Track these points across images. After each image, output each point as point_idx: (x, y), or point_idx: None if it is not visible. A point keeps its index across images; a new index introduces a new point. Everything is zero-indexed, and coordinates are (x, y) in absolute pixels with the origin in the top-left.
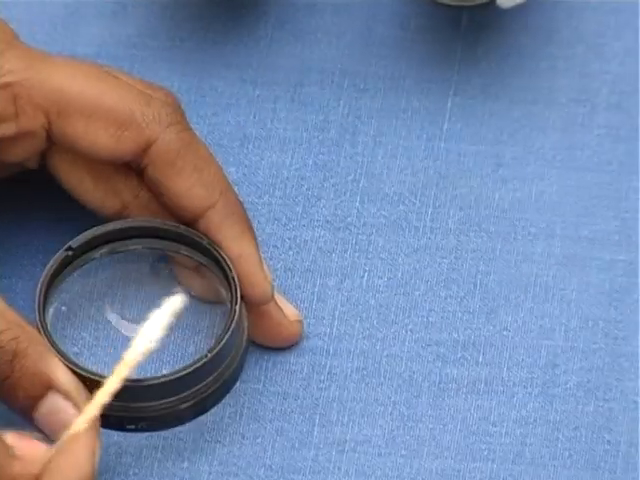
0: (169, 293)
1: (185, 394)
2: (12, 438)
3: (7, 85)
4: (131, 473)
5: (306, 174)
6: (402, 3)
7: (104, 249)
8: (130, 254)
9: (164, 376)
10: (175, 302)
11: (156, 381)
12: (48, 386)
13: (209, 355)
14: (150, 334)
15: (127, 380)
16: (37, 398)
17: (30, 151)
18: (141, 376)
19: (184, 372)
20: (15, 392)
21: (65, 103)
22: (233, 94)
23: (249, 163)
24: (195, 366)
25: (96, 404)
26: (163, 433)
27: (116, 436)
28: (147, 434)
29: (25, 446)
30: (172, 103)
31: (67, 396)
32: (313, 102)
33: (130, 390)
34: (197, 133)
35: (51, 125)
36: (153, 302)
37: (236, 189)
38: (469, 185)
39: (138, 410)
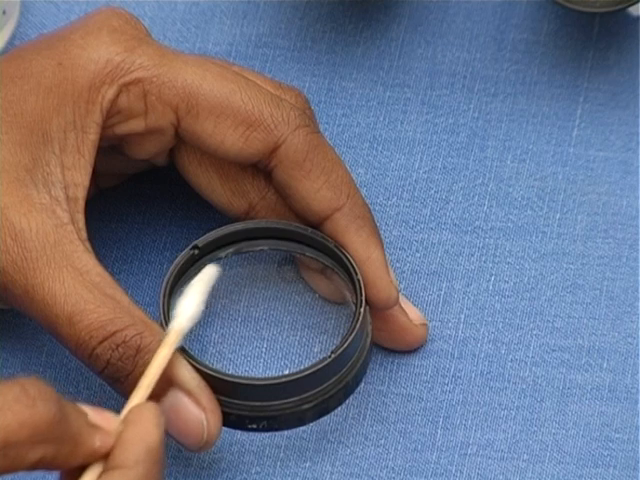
0: (295, 293)
1: (307, 395)
2: (91, 412)
3: (138, 81)
4: (253, 472)
5: (435, 177)
6: (534, 8)
7: (230, 249)
8: (256, 255)
9: (286, 376)
10: (209, 272)
11: (278, 381)
12: (170, 383)
13: (332, 356)
14: (191, 304)
15: (249, 378)
16: (158, 395)
17: (158, 148)
18: (264, 375)
19: (306, 372)
20: None
21: (195, 101)
22: (363, 95)
23: (378, 165)
24: (318, 367)
25: (151, 375)
26: (286, 433)
27: (239, 435)
28: (270, 433)
29: (101, 420)
30: (302, 105)
31: (189, 394)
32: (443, 105)
33: (252, 389)
34: (327, 134)
35: (180, 122)
36: (279, 301)
37: (365, 191)
38: (597, 191)
39: (260, 409)
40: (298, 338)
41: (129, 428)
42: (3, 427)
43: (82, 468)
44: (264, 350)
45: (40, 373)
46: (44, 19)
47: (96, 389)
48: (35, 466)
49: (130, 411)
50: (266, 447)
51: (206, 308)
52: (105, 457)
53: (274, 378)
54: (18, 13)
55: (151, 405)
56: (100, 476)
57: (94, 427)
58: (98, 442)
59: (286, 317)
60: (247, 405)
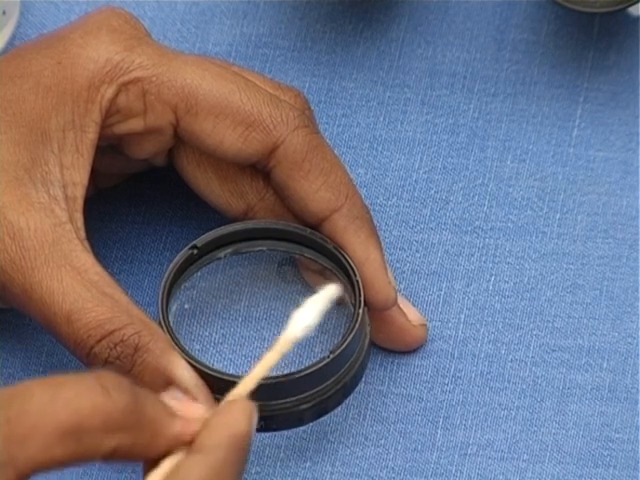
0: (295, 293)
1: (305, 395)
2: (174, 401)
3: (137, 80)
4: (253, 472)
5: (435, 177)
6: (534, 8)
7: (229, 249)
8: (255, 255)
9: (285, 376)
10: (331, 290)
11: (277, 380)
12: (168, 382)
13: (331, 356)
14: (305, 318)
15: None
16: (158, 393)
17: (157, 148)
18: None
19: (305, 372)
20: None
21: (194, 101)
22: (363, 96)
23: (378, 165)
24: (316, 367)
25: (253, 377)
26: (286, 433)
27: None
28: (270, 433)
29: (185, 407)
30: (301, 106)
31: (187, 393)
32: (443, 105)
33: None
34: (327, 134)
35: (179, 122)
36: (279, 301)
37: (364, 191)
38: (597, 191)
39: (258, 409)
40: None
41: (217, 416)
42: (76, 412)
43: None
44: (264, 351)
45: (40, 373)
46: (44, 19)
47: None
48: (112, 455)
49: (225, 402)
50: (266, 447)
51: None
52: (189, 444)
53: (272, 378)
54: (18, 13)
55: (246, 400)
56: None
57: (174, 414)
58: (179, 427)
59: (286, 317)
60: None
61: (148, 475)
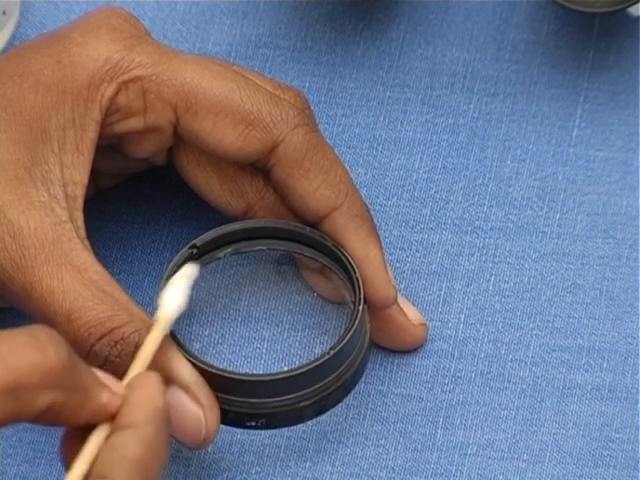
0: (295, 293)
1: (305, 392)
2: (98, 372)
3: (137, 79)
4: (253, 472)
5: (435, 177)
6: (534, 8)
7: (228, 249)
8: (256, 254)
9: (285, 372)
10: (188, 269)
11: (277, 377)
12: (169, 380)
13: (331, 352)
14: (176, 294)
15: (247, 375)
16: None
17: (157, 147)
18: (263, 372)
19: (305, 369)
20: None
21: (193, 99)
22: (363, 96)
23: (378, 165)
24: (316, 363)
25: (143, 358)
26: (286, 433)
27: (239, 435)
28: (270, 433)
29: (107, 380)
30: (300, 104)
31: (187, 390)
32: (443, 105)
33: (251, 385)
34: (327, 134)
35: (179, 121)
36: (279, 301)
37: (365, 191)
38: (597, 191)
39: (258, 406)
40: (299, 338)
41: (135, 392)
42: (14, 369)
43: (85, 429)
44: (264, 351)
45: None
46: (44, 19)
47: None
48: (43, 414)
49: (133, 378)
50: (266, 447)
51: (189, 302)
52: (111, 418)
53: (272, 375)
54: (18, 13)
55: (153, 373)
56: (110, 436)
57: (102, 384)
58: (106, 398)
59: (286, 317)
60: (245, 402)
61: (80, 454)
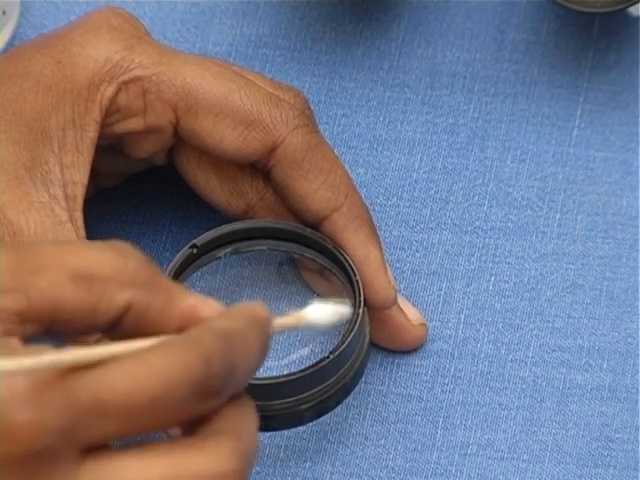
0: (295, 293)
1: (305, 395)
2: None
3: (137, 79)
4: (253, 472)
5: (435, 177)
6: (534, 8)
7: (228, 249)
8: (256, 255)
9: (285, 376)
10: (344, 309)
11: (277, 380)
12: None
13: (331, 356)
14: (324, 313)
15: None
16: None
17: (157, 147)
18: (262, 375)
19: (305, 372)
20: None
21: (194, 100)
22: (363, 96)
23: (378, 165)
24: (316, 367)
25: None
26: (286, 433)
27: None
28: (270, 434)
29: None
30: (301, 105)
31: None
32: (443, 105)
33: (251, 388)
34: (327, 134)
35: (179, 121)
36: (279, 301)
37: (364, 191)
38: (597, 192)
39: (258, 409)
40: (299, 339)
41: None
42: (86, 258)
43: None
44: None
45: None
46: (44, 19)
47: None
48: (127, 311)
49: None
50: (266, 447)
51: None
52: None
53: (273, 378)
54: (18, 13)
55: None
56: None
57: (187, 291)
58: (193, 301)
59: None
60: None
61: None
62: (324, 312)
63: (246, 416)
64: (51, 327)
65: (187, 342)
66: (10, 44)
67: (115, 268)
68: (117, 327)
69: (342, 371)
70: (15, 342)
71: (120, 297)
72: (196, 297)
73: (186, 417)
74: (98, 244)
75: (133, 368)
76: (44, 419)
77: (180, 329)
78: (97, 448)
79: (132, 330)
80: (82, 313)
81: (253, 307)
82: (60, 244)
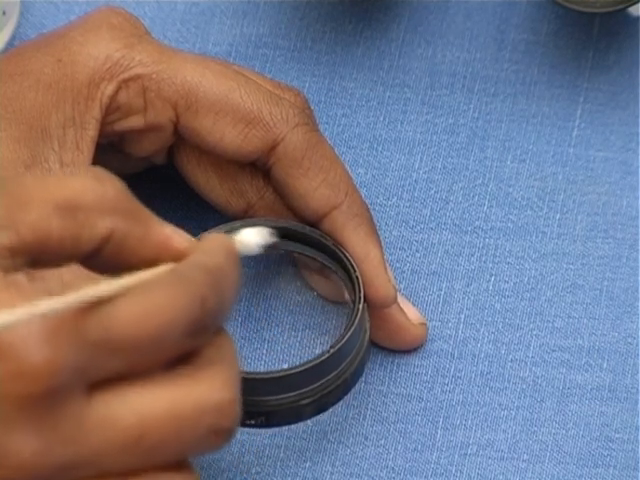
0: (295, 293)
1: (305, 390)
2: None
3: (137, 77)
4: (253, 472)
5: (435, 177)
6: (534, 8)
7: None
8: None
9: (285, 370)
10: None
11: (277, 375)
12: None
13: (331, 351)
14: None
15: (247, 373)
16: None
17: (157, 145)
18: (263, 370)
19: (305, 367)
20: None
21: (194, 98)
22: (363, 96)
23: (378, 165)
24: (316, 362)
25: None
26: (286, 433)
27: (239, 435)
28: (270, 433)
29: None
30: (300, 104)
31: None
32: (443, 105)
33: (251, 383)
34: (327, 134)
35: (179, 119)
36: (279, 300)
37: (364, 191)
38: (597, 192)
39: (258, 404)
40: (299, 339)
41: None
42: (70, 188)
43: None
44: (264, 351)
45: None
46: (44, 19)
47: None
48: (107, 242)
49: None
50: (266, 447)
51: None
52: (177, 260)
53: (273, 372)
54: (18, 13)
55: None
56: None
57: (164, 222)
58: (169, 231)
59: (287, 317)
60: (245, 400)
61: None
62: (253, 235)
63: (230, 345)
64: (38, 259)
65: (182, 281)
66: (10, 44)
67: (96, 196)
68: (97, 256)
69: (342, 366)
70: (22, 278)
71: (102, 225)
72: (171, 228)
73: (181, 352)
74: (78, 173)
75: (137, 306)
76: (59, 358)
77: (156, 259)
78: (103, 382)
79: (111, 259)
80: (67, 243)
81: (224, 240)
82: (43, 177)
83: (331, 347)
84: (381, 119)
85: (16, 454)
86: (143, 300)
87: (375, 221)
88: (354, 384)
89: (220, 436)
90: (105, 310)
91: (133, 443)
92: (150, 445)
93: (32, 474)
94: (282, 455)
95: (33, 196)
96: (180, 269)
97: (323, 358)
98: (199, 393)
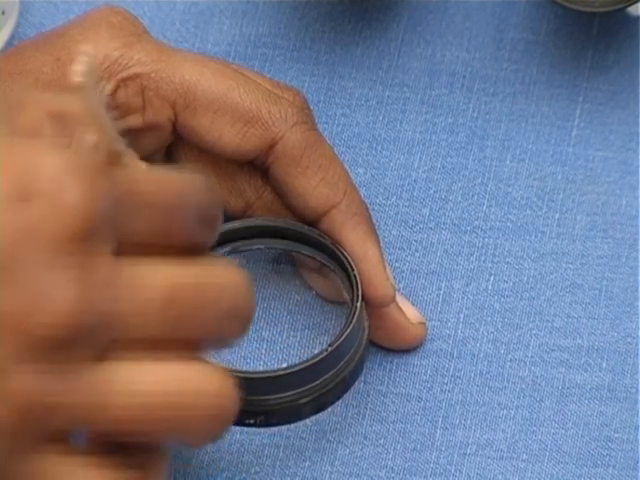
0: (293, 292)
1: (304, 389)
2: None
3: (136, 76)
4: (252, 471)
5: (434, 177)
6: (534, 7)
7: (227, 247)
8: (254, 253)
9: (283, 369)
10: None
11: (275, 374)
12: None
13: (329, 349)
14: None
15: (246, 372)
16: None
17: (156, 144)
18: (261, 369)
19: (303, 366)
20: None
21: (192, 97)
22: (363, 95)
23: (377, 164)
24: (314, 360)
25: None
26: (285, 432)
27: (238, 434)
28: (269, 433)
29: None
30: (299, 103)
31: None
32: (442, 105)
33: (249, 383)
34: (326, 133)
35: (177, 118)
36: (278, 300)
37: (364, 190)
38: (596, 191)
39: (256, 404)
40: (298, 338)
41: None
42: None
43: None
44: (263, 351)
45: None
46: (43, 19)
47: None
48: None
49: None
50: (265, 447)
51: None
52: None
53: (271, 372)
54: (17, 13)
55: None
56: None
57: None
58: None
59: (285, 316)
60: (244, 399)
61: None
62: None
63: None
64: None
65: (188, 175)
66: (9, 43)
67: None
68: None
69: (341, 365)
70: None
71: None
72: None
73: (191, 242)
74: None
75: (160, 173)
76: (95, 197)
77: None
78: (130, 253)
79: None
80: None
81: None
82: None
83: (329, 345)
84: (380, 118)
85: (59, 300)
86: (163, 171)
87: (374, 220)
88: (353, 383)
89: (238, 321)
90: (130, 167)
91: (162, 307)
92: (178, 314)
93: (73, 323)
94: (281, 455)
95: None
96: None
97: (321, 357)
98: (219, 272)
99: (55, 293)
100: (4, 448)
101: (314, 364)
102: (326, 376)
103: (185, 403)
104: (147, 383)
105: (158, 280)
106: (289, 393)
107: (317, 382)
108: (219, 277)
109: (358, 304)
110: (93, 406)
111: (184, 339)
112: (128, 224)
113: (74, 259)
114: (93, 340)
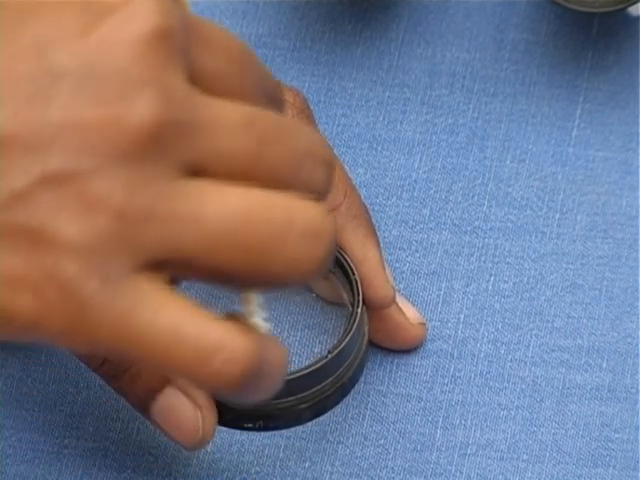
0: (293, 293)
1: (304, 394)
2: None
3: None
4: (252, 472)
5: (434, 177)
6: (534, 8)
7: None
8: None
9: None
10: None
11: None
12: (166, 380)
13: (329, 356)
14: None
15: None
16: (154, 391)
17: None
18: None
19: (303, 372)
20: (134, 384)
21: None
22: (363, 95)
23: (378, 165)
24: (315, 366)
25: None
26: (285, 433)
27: (238, 435)
28: (269, 433)
29: None
30: (300, 104)
31: (185, 391)
32: (443, 105)
33: None
34: (326, 134)
35: None
36: (278, 301)
37: (364, 191)
38: (596, 191)
39: (256, 408)
40: (298, 338)
41: None
42: None
43: None
44: None
45: (40, 373)
46: None
47: (96, 389)
48: None
49: None
50: (265, 447)
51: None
52: None
53: None
54: None
55: None
56: None
57: None
58: None
59: (286, 317)
60: (243, 404)
61: None
62: None
63: None
64: None
65: None
66: None
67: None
68: None
69: (341, 370)
70: None
71: None
72: None
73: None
74: None
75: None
76: (169, 13)
77: None
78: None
79: None
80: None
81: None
82: None
83: (329, 352)
84: (380, 119)
85: (141, 106)
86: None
87: (374, 221)
88: (352, 387)
89: (319, 164)
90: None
91: (243, 124)
92: (258, 136)
93: (155, 130)
94: (281, 455)
95: None
96: None
97: (321, 363)
98: (294, 120)
99: (137, 102)
100: (98, 270)
101: (314, 371)
102: (326, 382)
103: (283, 227)
104: (241, 201)
105: (233, 106)
106: (289, 398)
107: (317, 388)
108: (295, 122)
109: (359, 309)
110: (185, 219)
111: (270, 175)
112: (199, 57)
113: (152, 67)
114: (177, 152)
